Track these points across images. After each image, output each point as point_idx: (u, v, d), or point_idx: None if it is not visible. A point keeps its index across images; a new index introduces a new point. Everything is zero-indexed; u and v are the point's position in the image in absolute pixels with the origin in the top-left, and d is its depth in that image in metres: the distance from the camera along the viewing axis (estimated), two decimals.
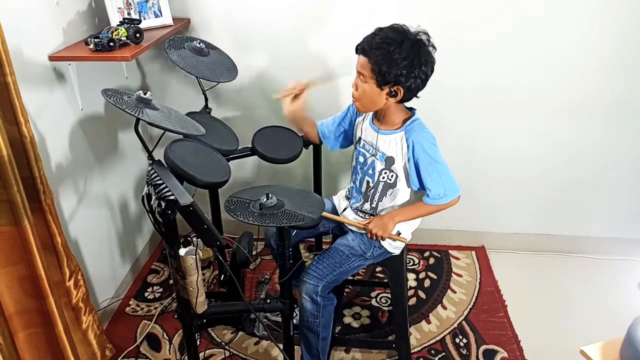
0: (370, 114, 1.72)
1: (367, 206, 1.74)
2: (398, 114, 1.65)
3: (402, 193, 1.68)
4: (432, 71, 1.55)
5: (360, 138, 1.76)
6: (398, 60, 1.47)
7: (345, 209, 1.83)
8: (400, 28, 1.52)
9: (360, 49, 1.54)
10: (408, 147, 1.60)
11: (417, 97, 1.61)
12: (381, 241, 1.71)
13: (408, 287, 2.36)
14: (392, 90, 1.54)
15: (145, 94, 1.41)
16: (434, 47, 1.54)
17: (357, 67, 1.57)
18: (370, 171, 1.70)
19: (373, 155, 1.69)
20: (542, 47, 2.19)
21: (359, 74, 1.56)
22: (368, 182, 1.71)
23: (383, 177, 1.67)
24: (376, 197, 1.71)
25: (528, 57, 2.21)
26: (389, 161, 1.65)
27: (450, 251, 2.65)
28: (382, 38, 1.49)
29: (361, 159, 1.74)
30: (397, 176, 1.65)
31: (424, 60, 1.50)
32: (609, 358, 1.12)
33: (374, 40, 1.51)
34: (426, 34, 1.54)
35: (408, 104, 1.68)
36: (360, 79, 1.57)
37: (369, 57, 1.51)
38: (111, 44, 1.77)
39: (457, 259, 2.60)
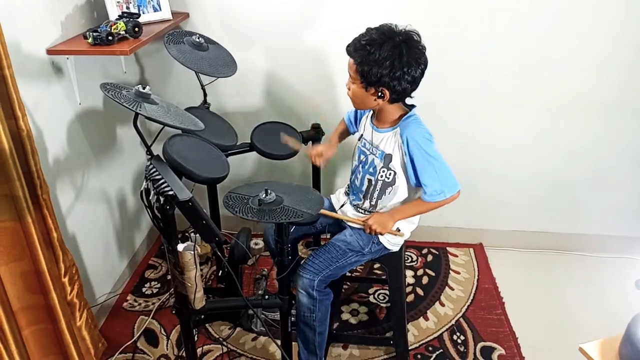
0: (371, 112, 1.71)
1: (366, 204, 1.74)
2: (394, 112, 1.64)
3: (401, 191, 1.67)
4: (421, 72, 1.53)
5: (362, 135, 1.76)
6: (379, 62, 1.47)
7: (343, 204, 1.83)
8: (387, 28, 1.51)
9: (347, 50, 1.55)
10: (403, 143, 1.59)
11: (410, 97, 1.61)
12: (379, 237, 1.71)
13: (406, 284, 2.36)
14: (379, 91, 1.54)
15: (144, 88, 1.41)
16: (423, 48, 1.52)
17: (347, 68, 1.58)
18: (371, 169, 1.70)
19: (373, 153, 1.69)
20: (541, 45, 2.19)
21: (349, 74, 1.58)
22: (370, 180, 1.71)
23: (382, 176, 1.67)
24: (375, 195, 1.71)
25: (527, 55, 2.21)
26: (387, 159, 1.64)
27: (448, 248, 2.66)
28: (366, 39, 1.50)
29: (362, 157, 1.74)
30: (395, 173, 1.65)
31: (407, 61, 1.48)
32: (607, 356, 1.13)
33: (360, 41, 1.51)
34: (416, 34, 1.52)
35: (408, 101, 1.68)
36: (350, 79, 1.59)
37: (354, 58, 1.52)
38: (110, 37, 1.76)
39: (455, 256, 2.61)
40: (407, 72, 1.48)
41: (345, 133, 1.94)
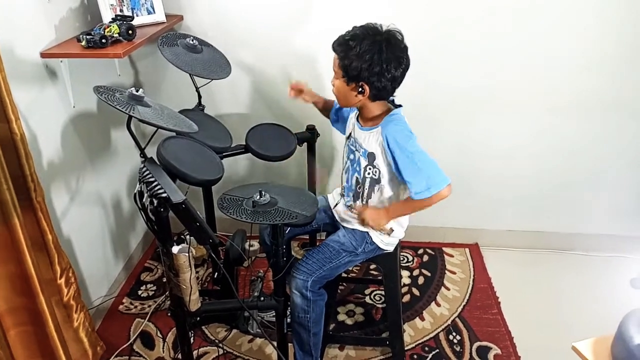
0: (357, 111, 1.73)
1: (358, 203, 1.75)
2: (376, 110, 1.65)
3: (387, 190, 1.68)
4: (402, 72, 1.54)
5: (350, 134, 1.77)
6: (359, 55, 1.50)
7: (337, 204, 1.85)
8: (371, 26, 1.54)
9: (332, 46, 1.58)
10: (383, 141, 1.60)
11: (393, 96, 1.62)
12: (372, 237, 1.71)
13: (402, 284, 2.37)
14: (359, 86, 1.56)
15: (137, 91, 1.40)
16: (405, 48, 1.54)
17: (332, 64, 1.61)
18: (357, 167, 1.71)
19: (358, 151, 1.70)
20: (540, 45, 2.19)
21: (334, 70, 1.61)
22: (357, 178, 1.72)
23: (368, 173, 1.68)
24: (365, 194, 1.72)
25: (525, 54, 2.21)
26: (371, 157, 1.65)
27: (444, 248, 2.66)
28: (350, 35, 1.53)
29: (351, 156, 1.75)
30: (380, 172, 1.66)
31: (387, 57, 1.50)
32: (600, 354, 1.13)
33: (344, 37, 1.55)
34: (398, 33, 1.54)
35: (396, 101, 1.69)
36: (334, 75, 1.61)
37: (337, 53, 1.56)
38: (103, 40, 1.76)
39: (451, 256, 2.61)
40: (386, 68, 1.50)
41: (328, 105, 1.96)
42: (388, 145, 1.58)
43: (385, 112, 1.65)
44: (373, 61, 1.49)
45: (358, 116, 1.72)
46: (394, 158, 1.58)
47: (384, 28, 1.54)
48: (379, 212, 1.67)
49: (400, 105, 1.67)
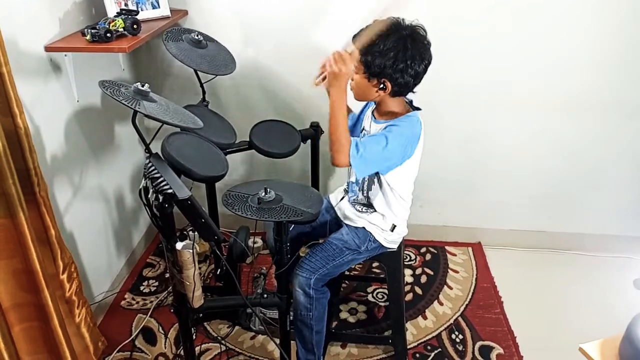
0: (374, 104, 1.72)
1: (361, 196, 1.74)
2: (394, 105, 1.64)
3: (385, 183, 1.66)
4: (424, 68, 1.53)
5: (363, 127, 1.76)
6: (383, 52, 1.48)
7: (342, 198, 1.85)
8: (393, 21, 1.52)
9: (353, 40, 1.55)
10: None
11: (413, 92, 1.61)
12: (375, 235, 1.70)
13: (405, 282, 2.36)
14: (381, 82, 1.54)
15: (142, 85, 1.39)
16: (428, 43, 1.53)
17: None
18: None
19: None
20: (542, 44, 2.18)
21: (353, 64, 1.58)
22: None
23: None
24: (365, 187, 1.72)
25: (527, 53, 2.21)
26: None
27: (446, 247, 2.65)
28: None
29: None
30: None
31: (411, 54, 1.49)
32: (607, 356, 1.12)
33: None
34: (422, 28, 1.53)
35: (414, 103, 1.68)
36: (354, 70, 1.59)
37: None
38: (108, 34, 1.76)
39: (454, 255, 2.60)
40: (410, 65, 1.49)
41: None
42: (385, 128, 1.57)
43: (404, 111, 1.64)
44: (397, 58, 1.48)
45: (374, 110, 1.71)
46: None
47: (407, 23, 1.52)
48: (346, 76, 1.52)
49: (419, 109, 1.66)
